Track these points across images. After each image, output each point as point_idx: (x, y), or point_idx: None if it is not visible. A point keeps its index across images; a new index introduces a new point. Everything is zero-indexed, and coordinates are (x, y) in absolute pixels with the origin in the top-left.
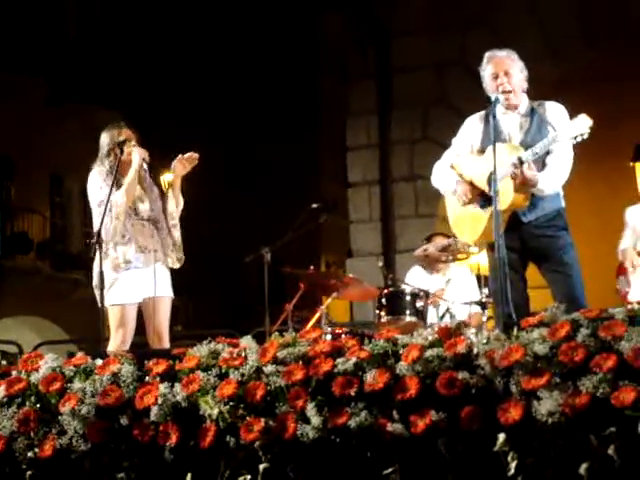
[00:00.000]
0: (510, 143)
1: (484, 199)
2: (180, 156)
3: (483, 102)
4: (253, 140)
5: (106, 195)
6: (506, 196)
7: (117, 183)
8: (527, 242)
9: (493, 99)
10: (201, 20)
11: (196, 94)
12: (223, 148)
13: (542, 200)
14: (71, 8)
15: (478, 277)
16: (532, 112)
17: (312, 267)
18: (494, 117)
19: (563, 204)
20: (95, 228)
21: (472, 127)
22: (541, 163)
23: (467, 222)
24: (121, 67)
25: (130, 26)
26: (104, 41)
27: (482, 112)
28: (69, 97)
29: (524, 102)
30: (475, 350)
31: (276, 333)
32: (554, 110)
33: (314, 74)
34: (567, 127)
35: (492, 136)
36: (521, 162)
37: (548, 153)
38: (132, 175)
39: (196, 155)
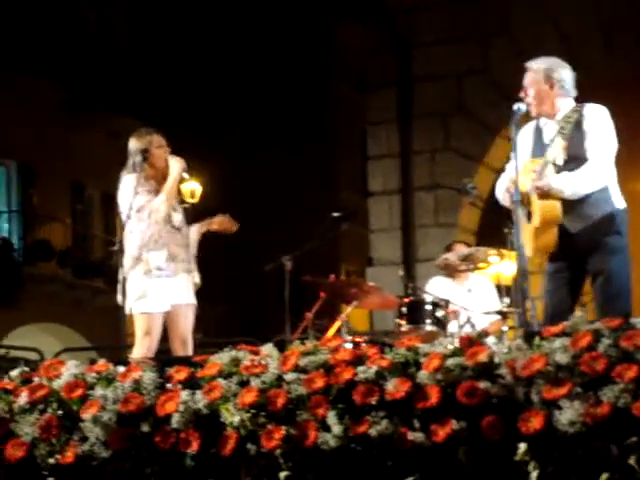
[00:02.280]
0: (537, 158)
1: (527, 213)
2: (227, 218)
3: (504, 111)
4: (272, 150)
5: (146, 201)
6: (536, 209)
7: (153, 190)
8: (577, 252)
9: (515, 109)
10: (219, 29)
11: (217, 103)
12: (242, 158)
13: (585, 206)
14: (90, 15)
15: (498, 287)
16: (569, 117)
17: (333, 276)
18: (516, 127)
19: (617, 206)
20: (130, 234)
21: (523, 137)
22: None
23: (526, 236)
24: (143, 75)
25: (153, 35)
26: (126, 48)
27: (533, 122)
28: (90, 104)
29: (563, 109)
30: (496, 359)
31: (297, 341)
32: (589, 114)
33: (331, 83)
34: None
35: (514, 149)
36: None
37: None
38: (172, 183)
39: (235, 228)
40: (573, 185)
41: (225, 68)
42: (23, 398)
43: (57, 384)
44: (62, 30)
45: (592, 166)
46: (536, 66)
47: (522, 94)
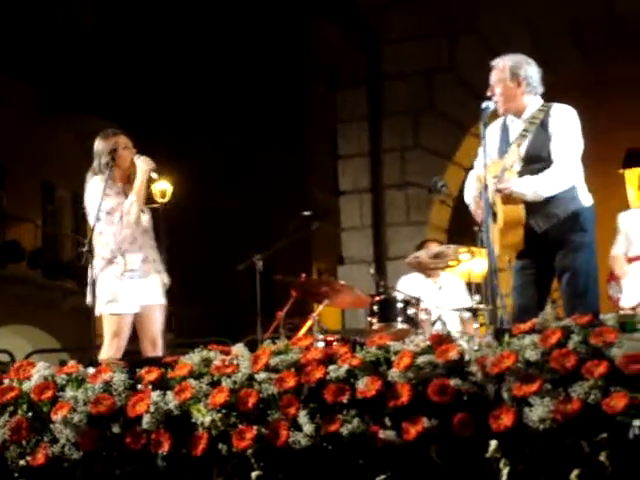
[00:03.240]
0: (500, 159)
1: (492, 213)
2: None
3: (473, 109)
4: (243, 149)
5: (117, 203)
6: (500, 211)
7: (121, 191)
8: (544, 250)
9: (484, 107)
10: (192, 28)
11: (188, 102)
12: (213, 158)
13: (552, 206)
14: (60, 14)
15: (469, 284)
16: (535, 117)
17: (304, 274)
18: (484, 125)
19: (583, 204)
20: (101, 236)
21: (491, 135)
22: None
23: (494, 234)
24: (113, 75)
25: (123, 35)
26: (96, 49)
27: (500, 119)
28: (60, 104)
29: (530, 107)
30: (467, 357)
31: (268, 341)
32: (556, 115)
33: (303, 81)
34: None
35: (483, 147)
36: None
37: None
38: (140, 184)
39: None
40: (535, 189)
41: (197, 68)
42: None
43: (27, 386)
44: (31, 30)
45: (556, 169)
46: (502, 64)
47: (489, 92)
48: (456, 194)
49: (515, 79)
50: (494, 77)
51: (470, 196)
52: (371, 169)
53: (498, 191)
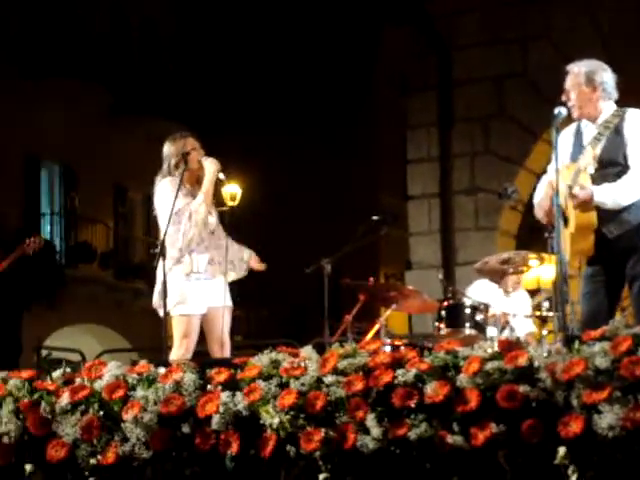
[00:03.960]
0: (573, 163)
1: (564, 218)
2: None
3: (544, 115)
4: (312, 153)
5: (185, 204)
6: (572, 216)
7: (189, 193)
8: (615, 257)
9: (556, 113)
10: (264, 33)
11: (259, 106)
12: (282, 161)
13: (625, 213)
14: (134, 20)
15: (538, 291)
16: (609, 122)
17: (372, 279)
18: (557, 131)
19: None
20: (170, 237)
21: (564, 140)
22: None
23: (564, 240)
24: (185, 79)
25: (195, 39)
26: (168, 53)
27: (574, 125)
28: (132, 107)
29: (605, 112)
30: (536, 363)
31: (336, 344)
32: (631, 120)
33: (373, 87)
34: None
35: (555, 152)
36: (571, 186)
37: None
38: (208, 184)
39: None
40: (615, 197)
41: (268, 72)
42: (65, 399)
43: (99, 385)
44: (105, 33)
45: (633, 176)
46: (577, 69)
47: (564, 97)
48: (526, 200)
49: (591, 84)
50: (569, 82)
51: (537, 199)
52: (440, 174)
53: (574, 197)
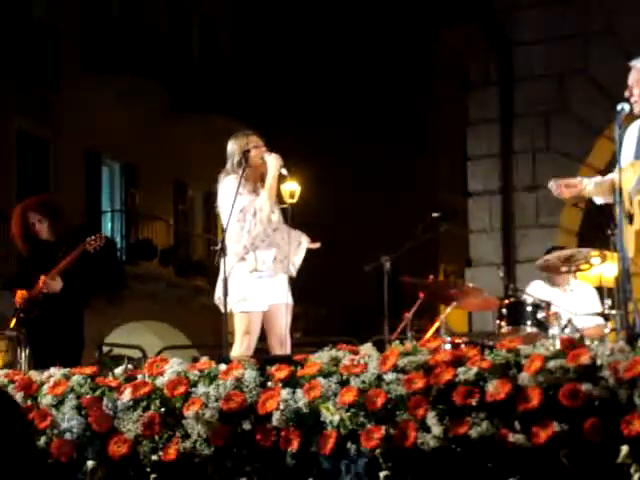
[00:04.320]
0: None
1: (628, 215)
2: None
3: (606, 111)
4: (371, 150)
5: (250, 201)
6: (637, 213)
7: (253, 190)
8: None
9: (619, 109)
10: (322, 30)
11: (318, 104)
12: (341, 158)
13: None
14: (195, 18)
15: (600, 288)
16: None
17: (432, 276)
18: (619, 127)
19: None
20: (234, 234)
21: (628, 138)
22: None
23: (629, 237)
24: (245, 76)
25: (252, 37)
26: (228, 50)
27: (638, 122)
28: (191, 105)
29: None
30: (598, 361)
31: (396, 341)
32: None
33: (432, 83)
34: None
35: (618, 150)
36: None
37: None
38: (271, 180)
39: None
40: None
41: (327, 69)
42: (126, 395)
43: (160, 381)
44: (165, 31)
45: None
46: None
47: (627, 93)
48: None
49: None
50: (633, 78)
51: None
52: (501, 171)
53: None
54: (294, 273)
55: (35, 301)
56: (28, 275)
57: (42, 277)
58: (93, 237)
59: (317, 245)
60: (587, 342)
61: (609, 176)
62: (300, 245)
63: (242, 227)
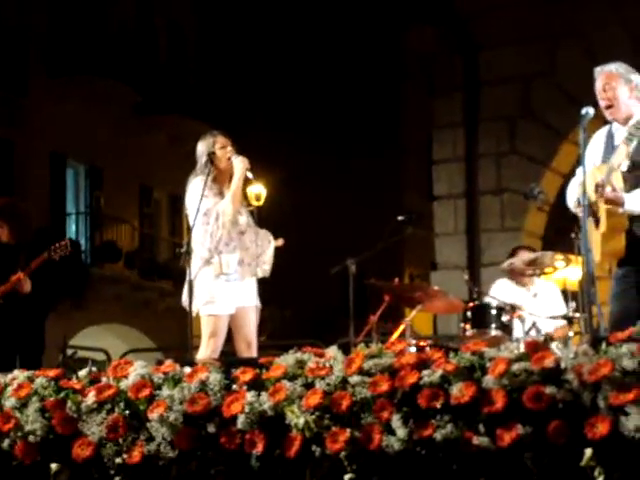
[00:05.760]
0: (605, 164)
1: (595, 219)
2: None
3: (571, 115)
4: (337, 153)
5: (214, 204)
6: (603, 218)
7: (219, 192)
8: None
9: (583, 113)
10: (289, 32)
11: (284, 105)
12: (307, 161)
13: None
14: (160, 21)
15: (564, 292)
16: None
17: (397, 279)
18: (584, 131)
19: None
20: (198, 237)
21: (594, 144)
22: None
23: (594, 241)
24: (211, 78)
25: (220, 38)
26: (194, 52)
27: (605, 128)
28: (157, 107)
29: (636, 115)
30: (563, 364)
31: (362, 344)
32: None
33: (401, 87)
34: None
35: (582, 154)
36: (602, 185)
37: None
38: (236, 183)
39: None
40: None
41: (294, 70)
42: (91, 398)
43: (124, 384)
44: (130, 33)
45: None
46: (615, 70)
47: (598, 96)
48: (552, 201)
49: (628, 85)
50: (604, 82)
51: (573, 203)
52: (466, 174)
53: (607, 201)
54: (267, 274)
55: None
56: None
57: (19, 273)
58: (58, 244)
59: (280, 242)
60: (553, 344)
61: (574, 181)
62: (270, 244)
63: (206, 230)
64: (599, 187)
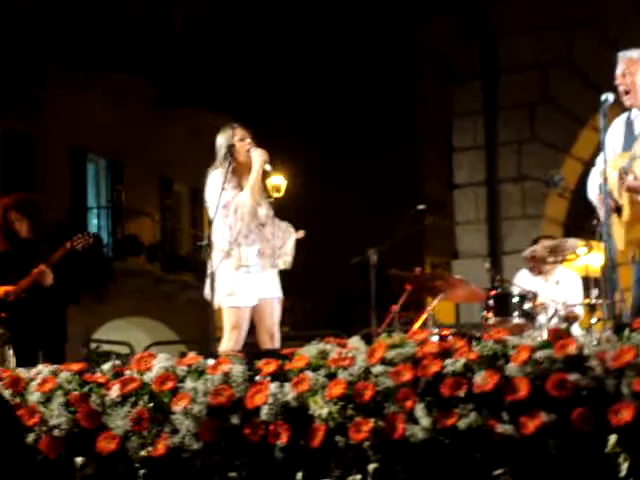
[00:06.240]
0: (626, 152)
1: (617, 206)
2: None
3: (591, 101)
4: (357, 143)
5: (233, 196)
6: (626, 205)
7: (238, 185)
8: None
9: (603, 99)
10: (307, 24)
11: (304, 97)
12: (328, 151)
13: None
14: (177, 14)
15: (587, 279)
16: None
17: (418, 269)
18: (604, 117)
19: None
20: (218, 229)
21: (614, 131)
22: None
23: (617, 228)
24: (230, 70)
25: (237, 32)
26: (213, 45)
27: (625, 114)
28: (177, 100)
29: None
30: (586, 351)
31: (384, 334)
32: None
33: (418, 75)
34: None
35: (603, 140)
36: (625, 172)
37: None
38: (255, 176)
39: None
40: None
41: (313, 62)
42: (115, 391)
43: (148, 377)
44: (149, 27)
45: None
46: (637, 56)
47: (618, 82)
48: (573, 187)
49: None
50: (625, 68)
51: (594, 194)
52: (487, 162)
53: (629, 189)
54: (289, 265)
55: (20, 295)
56: (2, 273)
57: (41, 265)
58: (81, 235)
59: (301, 234)
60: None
61: (594, 171)
62: (291, 235)
63: (225, 223)
64: (622, 175)
